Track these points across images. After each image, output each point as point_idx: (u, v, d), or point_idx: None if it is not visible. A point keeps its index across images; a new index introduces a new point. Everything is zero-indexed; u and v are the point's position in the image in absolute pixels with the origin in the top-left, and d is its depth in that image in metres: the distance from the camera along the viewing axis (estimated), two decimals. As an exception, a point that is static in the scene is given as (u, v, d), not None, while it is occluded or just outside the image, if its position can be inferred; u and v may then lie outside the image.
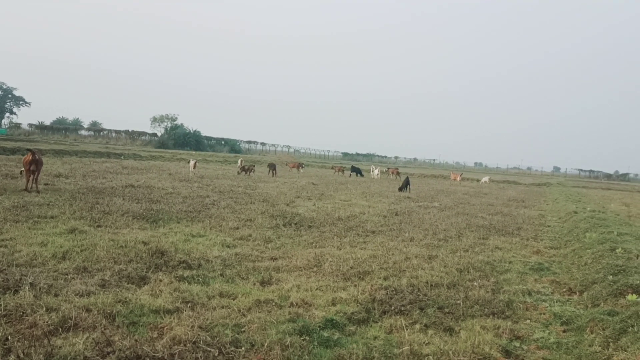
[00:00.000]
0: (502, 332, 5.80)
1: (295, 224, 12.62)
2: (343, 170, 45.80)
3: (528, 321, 6.36)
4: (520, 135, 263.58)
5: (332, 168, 50.42)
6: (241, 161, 46.25)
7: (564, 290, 7.98)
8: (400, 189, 26.53)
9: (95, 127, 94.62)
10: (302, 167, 48.40)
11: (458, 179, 46.62)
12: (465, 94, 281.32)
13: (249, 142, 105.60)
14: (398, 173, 42.98)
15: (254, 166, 33.72)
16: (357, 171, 42.85)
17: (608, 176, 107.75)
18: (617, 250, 9.70)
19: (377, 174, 41.13)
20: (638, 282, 7.21)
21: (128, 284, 6.66)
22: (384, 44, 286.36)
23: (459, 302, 6.72)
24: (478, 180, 48.05)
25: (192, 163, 29.73)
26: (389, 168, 46.15)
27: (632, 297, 6.59)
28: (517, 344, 5.54)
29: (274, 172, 33.70)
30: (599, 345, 5.30)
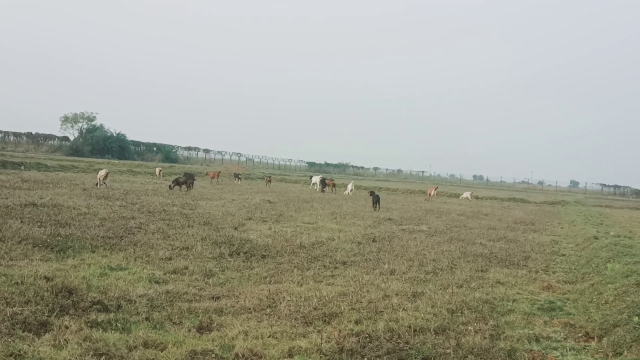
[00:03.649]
0: (502, 388, 5.88)
1: (245, 253, 12.62)
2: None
3: (534, 374, 6.46)
4: (531, 145, 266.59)
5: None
6: (160, 171, 45.71)
7: (580, 335, 8.12)
8: (374, 207, 28.25)
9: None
10: (239, 179, 47.89)
11: (432, 193, 45.56)
12: (464, 97, 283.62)
13: (189, 148, 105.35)
14: (334, 185, 44.55)
15: (193, 177, 33.08)
16: (324, 184, 42.96)
17: (637, 193, 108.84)
18: (644, 285, 9.91)
19: (350, 190, 41.48)
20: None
21: (24, 332, 6.55)
22: (378, 33, 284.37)
23: (449, 350, 6.80)
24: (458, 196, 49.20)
25: (102, 173, 29.18)
26: (324, 179, 45.33)
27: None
28: (520, 403, 5.63)
29: (190, 185, 31.90)
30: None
